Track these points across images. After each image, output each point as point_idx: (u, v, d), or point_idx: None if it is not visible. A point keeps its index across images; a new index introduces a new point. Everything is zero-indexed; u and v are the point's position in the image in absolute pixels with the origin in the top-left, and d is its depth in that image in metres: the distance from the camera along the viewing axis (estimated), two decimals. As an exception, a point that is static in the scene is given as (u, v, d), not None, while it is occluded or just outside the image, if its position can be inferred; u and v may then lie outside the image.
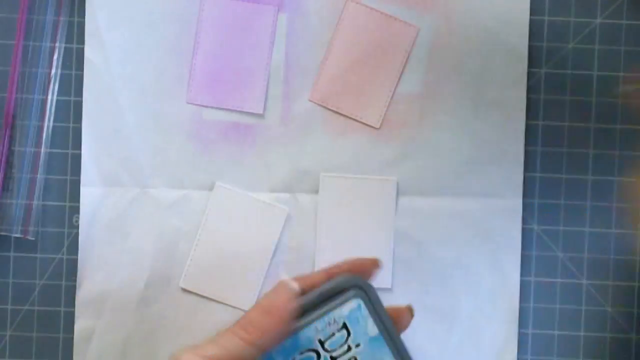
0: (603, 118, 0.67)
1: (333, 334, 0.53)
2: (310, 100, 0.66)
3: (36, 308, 0.67)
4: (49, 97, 0.66)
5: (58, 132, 0.66)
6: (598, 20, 0.66)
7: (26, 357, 0.66)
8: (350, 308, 0.53)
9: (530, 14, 0.66)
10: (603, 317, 0.67)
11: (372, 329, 0.53)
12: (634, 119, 0.67)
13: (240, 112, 0.66)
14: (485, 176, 0.66)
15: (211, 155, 0.66)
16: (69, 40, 0.66)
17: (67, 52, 0.66)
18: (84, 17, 0.66)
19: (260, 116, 0.66)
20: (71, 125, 0.66)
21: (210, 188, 0.66)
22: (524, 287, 0.67)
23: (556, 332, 0.67)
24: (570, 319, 0.67)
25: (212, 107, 0.66)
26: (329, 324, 0.52)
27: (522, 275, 0.66)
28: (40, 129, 0.66)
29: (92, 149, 0.66)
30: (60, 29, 0.66)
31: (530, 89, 0.66)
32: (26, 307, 0.67)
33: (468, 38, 0.66)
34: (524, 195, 0.66)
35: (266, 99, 0.66)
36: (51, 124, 0.66)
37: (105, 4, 0.66)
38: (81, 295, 0.66)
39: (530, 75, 0.66)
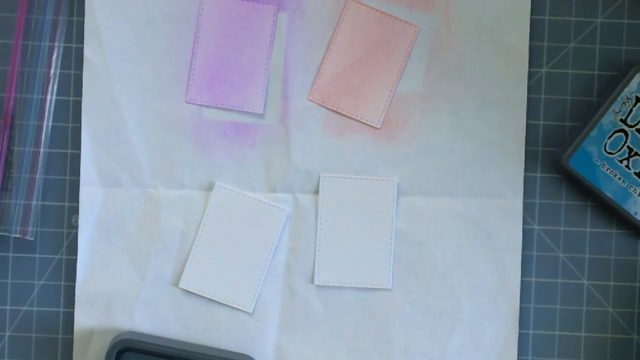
0: (604, 118, 0.67)
1: (631, 110, 0.59)
2: (310, 100, 0.66)
3: (35, 309, 0.66)
4: (48, 96, 0.66)
5: (57, 132, 0.66)
6: (599, 20, 0.66)
7: (25, 359, 0.66)
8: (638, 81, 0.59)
9: (531, 13, 0.66)
10: (604, 318, 0.67)
11: None
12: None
13: (240, 111, 0.66)
14: (486, 176, 0.66)
15: (211, 155, 0.66)
16: (68, 39, 0.66)
17: (66, 52, 0.66)
18: (83, 17, 0.66)
19: (260, 116, 0.66)
20: (70, 125, 0.66)
21: (210, 188, 0.66)
22: (524, 287, 0.66)
23: (557, 333, 0.66)
24: (571, 319, 0.67)
25: (211, 107, 0.66)
26: (624, 102, 0.58)
27: (522, 275, 0.66)
28: (39, 128, 0.66)
29: (91, 148, 0.66)
30: (60, 28, 0.66)
31: (531, 89, 0.66)
32: (25, 308, 0.66)
33: (469, 37, 0.66)
34: (525, 195, 0.66)
35: (266, 98, 0.66)
36: (50, 123, 0.66)
37: (105, 3, 0.66)
38: (80, 296, 0.66)
39: (531, 74, 0.66)
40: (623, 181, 0.64)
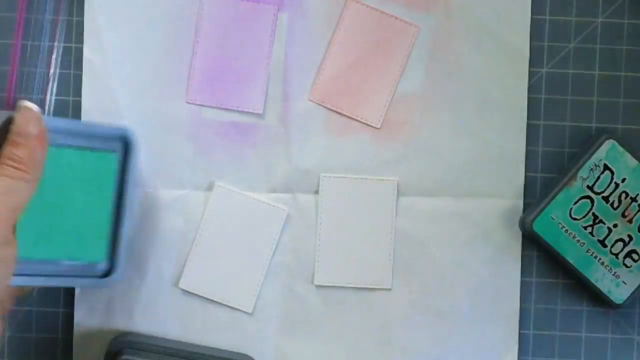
0: (604, 118, 0.66)
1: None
2: (310, 100, 0.66)
3: (35, 309, 0.66)
4: (48, 96, 0.66)
5: (57, 132, 0.66)
6: (599, 20, 0.66)
7: (25, 359, 0.66)
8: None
9: (532, 14, 0.66)
10: (605, 318, 0.67)
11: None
12: (634, 119, 0.67)
13: (240, 111, 0.66)
14: (486, 176, 0.66)
15: (210, 155, 0.66)
16: (67, 39, 0.66)
17: (66, 52, 0.66)
18: (83, 17, 0.66)
19: (260, 116, 0.66)
20: (70, 125, 0.66)
21: (210, 188, 0.66)
22: (524, 287, 0.66)
23: (557, 333, 0.66)
24: (571, 319, 0.67)
25: (211, 107, 0.66)
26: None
27: (522, 275, 0.66)
28: (39, 128, 0.66)
29: (91, 148, 0.66)
30: (59, 28, 0.66)
31: (531, 89, 0.66)
32: (25, 308, 0.66)
33: (469, 37, 0.66)
34: (525, 195, 0.66)
35: (266, 98, 0.66)
36: (50, 123, 0.66)
37: (105, 3, 0.66)
38: (80, 296, 0.66)
39: (531, 74, 0.66)
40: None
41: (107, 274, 0.63)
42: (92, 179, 0.61)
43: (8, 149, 0.54)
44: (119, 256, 0.62)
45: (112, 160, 0.61)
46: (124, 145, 0.62)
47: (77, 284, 0.62)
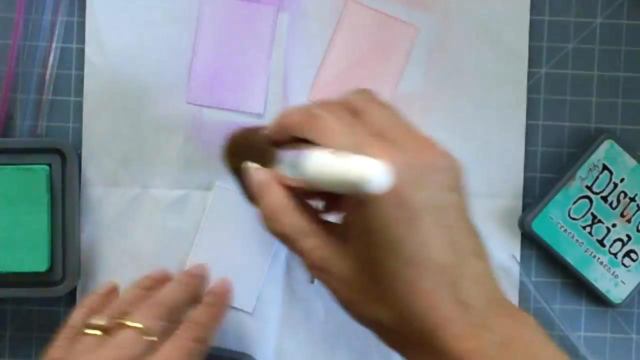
0: (603, 118, 0.67)
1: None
2: (310, 100, 0.66)
3: (36, 308, 0.67)
4: (49, 97, 0.66)
5: (58, 133, 0.66)
6: (598, 20, 0.66)
7: (26, 358, 0.66)
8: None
9: (531, 14, 0.66)
10: (604, 317, 0.67)
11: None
12: (633, 119, 0.67)
13: (240, 112, 0.66)
14: (485, 176, 0.66)
15: (211, 155, 0.66)
16: (69, 40, 0.66)
17: (67, 52, 0.66)
18: (84, 17, 0.66)
19: (260, 116, 0.66)
20: (71, 125, 0.66)
21: (210, 188, 0.66)
22: (524, 287, 0.66)
23: (557, 332, 0.66)
24: (571, 319, 0.67)
25: (212, 107, 0.66)
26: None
27: (521, 275, 0.66)
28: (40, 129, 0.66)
29: (92, 149, 0.66)
30: (58, 28, 0.66)
31: (530, 89, 0.66)
32: (26, 307, 0.67)
33: (468, 38, 0.66)
34: (524, 195, 0.66)
35: (266, 99, 0.66)
36: (52, 124, 0.66)
37: (106, 3, 0.66)
38: (82, 295, 0.66)
39: (530, 75, 0.66)
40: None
41: (60, 281, 0.65)
42: (22, 193, 0.62)
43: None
44: (70, 264, 0.64)
45: (43, 174, 0.63)
46: (63, 157, 0.64)
47: (28, 294, 0.64)
